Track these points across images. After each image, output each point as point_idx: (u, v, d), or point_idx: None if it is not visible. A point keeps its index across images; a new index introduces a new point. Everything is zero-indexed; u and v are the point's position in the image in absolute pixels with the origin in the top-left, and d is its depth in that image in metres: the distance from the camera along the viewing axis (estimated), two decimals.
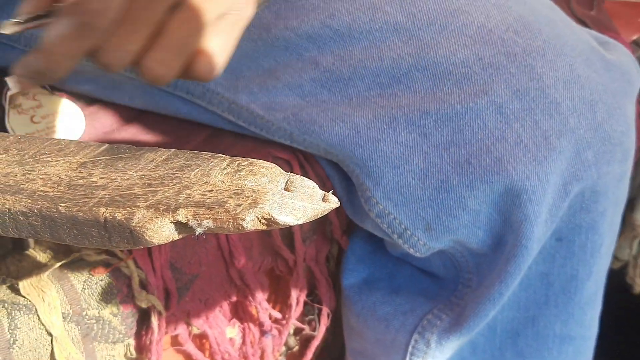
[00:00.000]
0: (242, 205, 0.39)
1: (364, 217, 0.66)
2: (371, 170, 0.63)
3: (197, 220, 0.39)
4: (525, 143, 0.61)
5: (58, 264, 0.58)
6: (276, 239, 0.67)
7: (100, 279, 0.58)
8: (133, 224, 0.39)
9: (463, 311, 0.67)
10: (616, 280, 0.90)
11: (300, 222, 0.40)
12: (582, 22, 0.94)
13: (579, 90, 0.63)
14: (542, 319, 0.70)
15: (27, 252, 0.60)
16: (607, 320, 0.78)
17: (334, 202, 0.42)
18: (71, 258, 0.59)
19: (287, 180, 0.42)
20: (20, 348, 0.55)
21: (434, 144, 0.62)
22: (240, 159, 0.43)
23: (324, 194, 0.42)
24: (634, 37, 0.99)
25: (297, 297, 0.70)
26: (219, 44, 0.51)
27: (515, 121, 0.61)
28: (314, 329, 0.73)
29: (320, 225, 0.71)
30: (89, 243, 0.42)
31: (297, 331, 0.74)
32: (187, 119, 0.71)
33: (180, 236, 0.40)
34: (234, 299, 0.67)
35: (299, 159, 0.69)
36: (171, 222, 0.39)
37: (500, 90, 0.61)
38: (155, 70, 0.50)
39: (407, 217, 0.63)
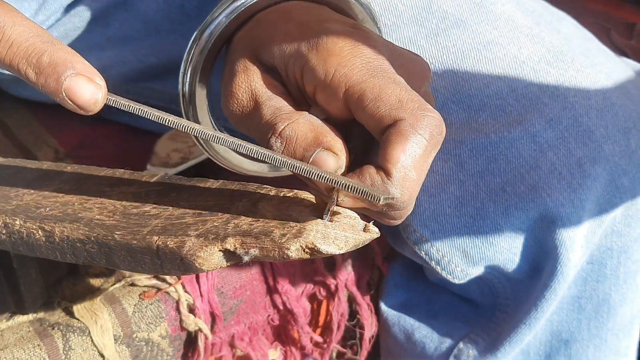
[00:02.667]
0: (287, 235, 0.41)
1: (403, 245, 0.68)
2: None
3: (245, 248, 0.41)
4: (559, 171, 0.62)
5: (110, 288, 0.60)
6: (319, 265, 0.69)
7: (150, 302, 0.60)
8: (184, 251, 0.42)
9: (499, 336, 0.68)
10: None
11: (343, 251, 0.42)
12: (622, 52, 0.95)
13: (613, 117, 0.64)
14: (575, 344, 0.70)
15: (81, 276, 0.62)
16: None
17: (374, 232, 0.43)
18: (122, 283, 0.61)
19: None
20: None
21: (469, 173, 0.63)
22: (285, 190, 0.45)
23: (365, 224, 0.44)
24: None
25: (339, 322, 0.71)
26: None
27: (549, 149, 0.62)
28: (355, 353, 0.74)
29: (362, 252, 0.72)
30: (142, 269, 0.44)
31: (340, 355, 0.75)
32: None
33: (229, 264, 0.42)
34: (277, 323, 0.69)
35: None
36: (220, 251, 0.41)
37: (533, 120, 0.62)
38: None
39: (444, 244, 0.64)
